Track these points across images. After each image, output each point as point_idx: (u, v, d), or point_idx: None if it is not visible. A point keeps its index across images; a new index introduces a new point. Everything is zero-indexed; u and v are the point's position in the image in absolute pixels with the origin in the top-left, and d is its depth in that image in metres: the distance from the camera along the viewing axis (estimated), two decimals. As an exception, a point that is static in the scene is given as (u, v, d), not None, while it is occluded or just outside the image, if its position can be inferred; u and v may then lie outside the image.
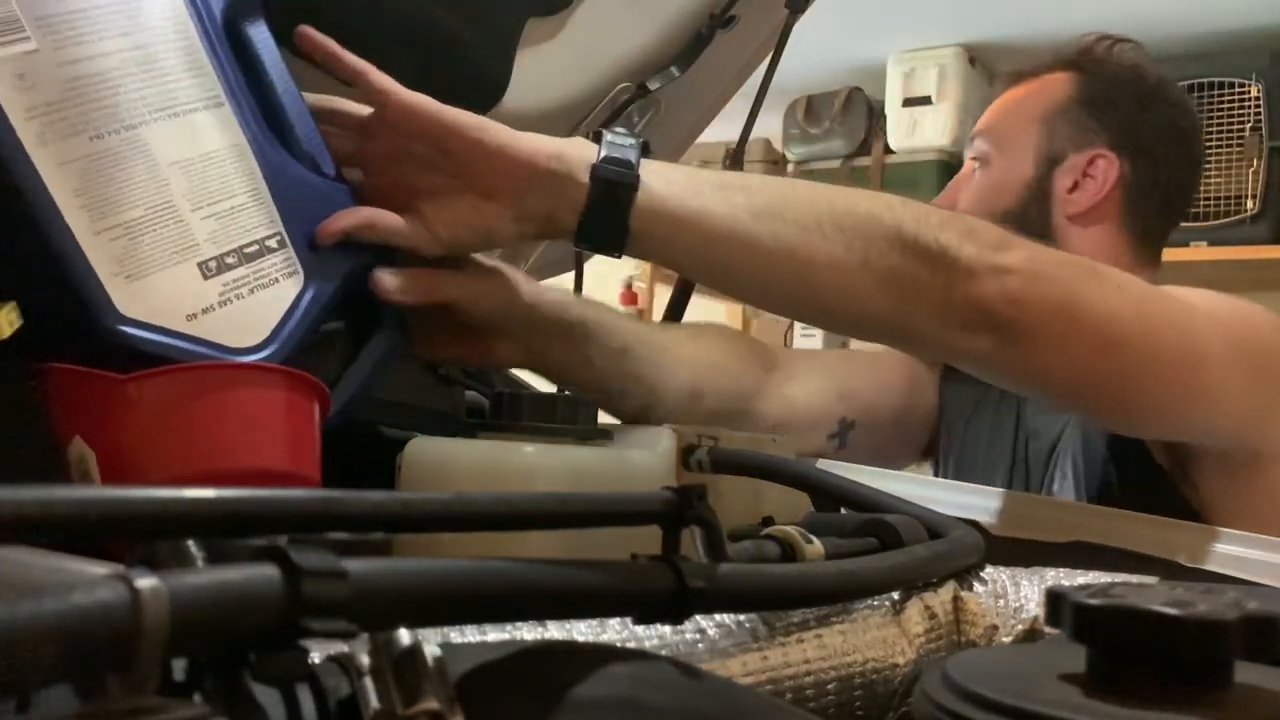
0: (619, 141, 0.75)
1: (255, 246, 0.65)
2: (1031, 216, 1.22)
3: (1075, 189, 1.24)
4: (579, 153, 0.75)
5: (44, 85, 0.58)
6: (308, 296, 0.67)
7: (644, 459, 0.67)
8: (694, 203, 0.75)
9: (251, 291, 0.64)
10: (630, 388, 0.87)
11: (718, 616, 0.44)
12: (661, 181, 0.75)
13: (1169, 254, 3.15)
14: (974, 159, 1.30)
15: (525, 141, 0.74)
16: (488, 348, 0.83)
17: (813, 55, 2.86)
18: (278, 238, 0.66)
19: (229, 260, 0.63)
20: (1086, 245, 1.20)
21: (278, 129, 0.70)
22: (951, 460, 1.28)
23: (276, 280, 0.66)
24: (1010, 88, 1.32)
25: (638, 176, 0.74)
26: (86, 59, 0.60)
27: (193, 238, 0.62)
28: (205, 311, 0.61)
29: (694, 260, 0.79)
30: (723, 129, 1.47)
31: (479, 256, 0.81)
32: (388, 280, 0.70)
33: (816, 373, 1.20)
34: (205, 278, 0.62)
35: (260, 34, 0.71)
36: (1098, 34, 1.36)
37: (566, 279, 1.29)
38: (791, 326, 3.52)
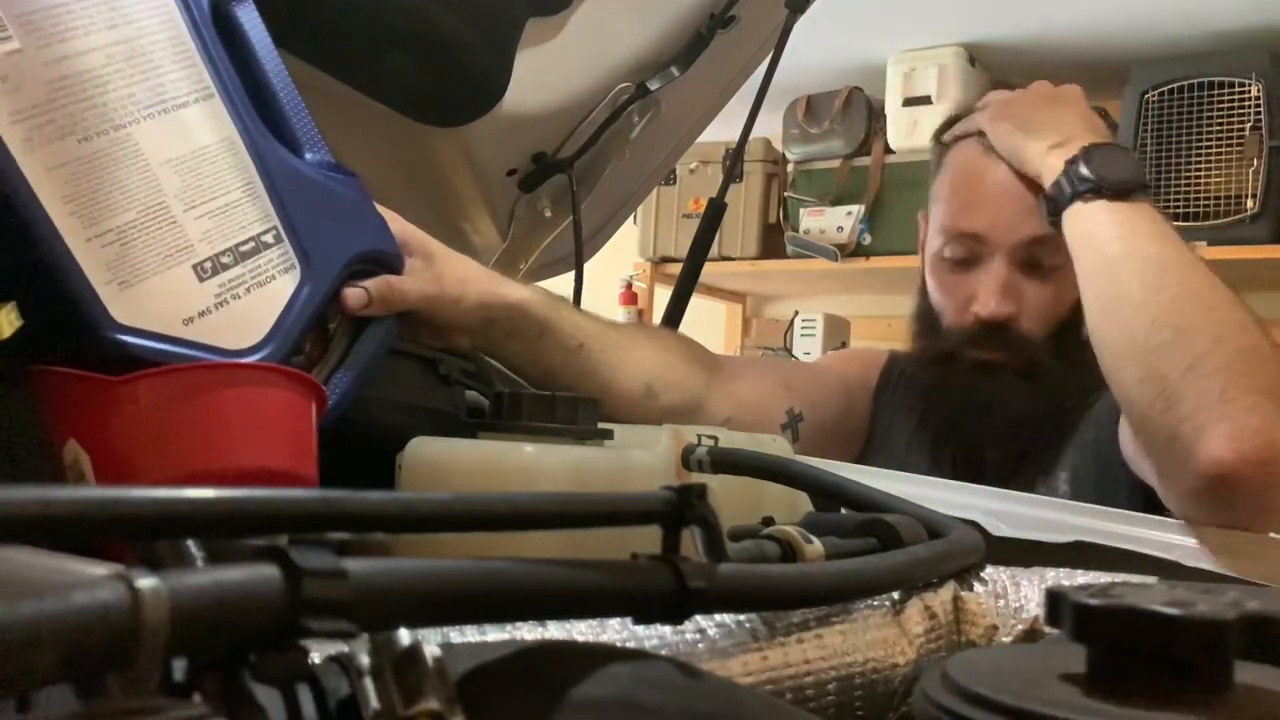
0: None
1: (251, 243, 0.64)
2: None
3: None
4: None
5: (29, 86, 0.56)
6: (305, 292, 0.66)
7: (644, 459, 0.67)
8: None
9: (248, 290, 0.63)
10: (583, 383, 0.92)
11: (718, 616, 0.44)
12: None
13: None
14: (1046, 262, 1.14)
15: None
16: (448, 337, 0.87)
17: (813, 55, 2.87)
18: (273, 232, 0.65)
19: (224, 260, 0.62)
20: None
21: (268, 115, 0.68)
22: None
23: (273, 277, 0.65)
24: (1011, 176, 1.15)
25: None
26: (72, 56, 0.58)
27: (187, 239, 0.61)
28: (202, 315, 0.60)
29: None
30: (723, 129, 1.47)
31: (447, 253, 0.85)
32: (353, 296, 0.73)
33: (760, 370, 1.24)
34: (201, 280, 0.61)
35: (249, 15, 0.69)
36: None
37: (566, 278, 1.29)
38: (790, 328, 3.52)
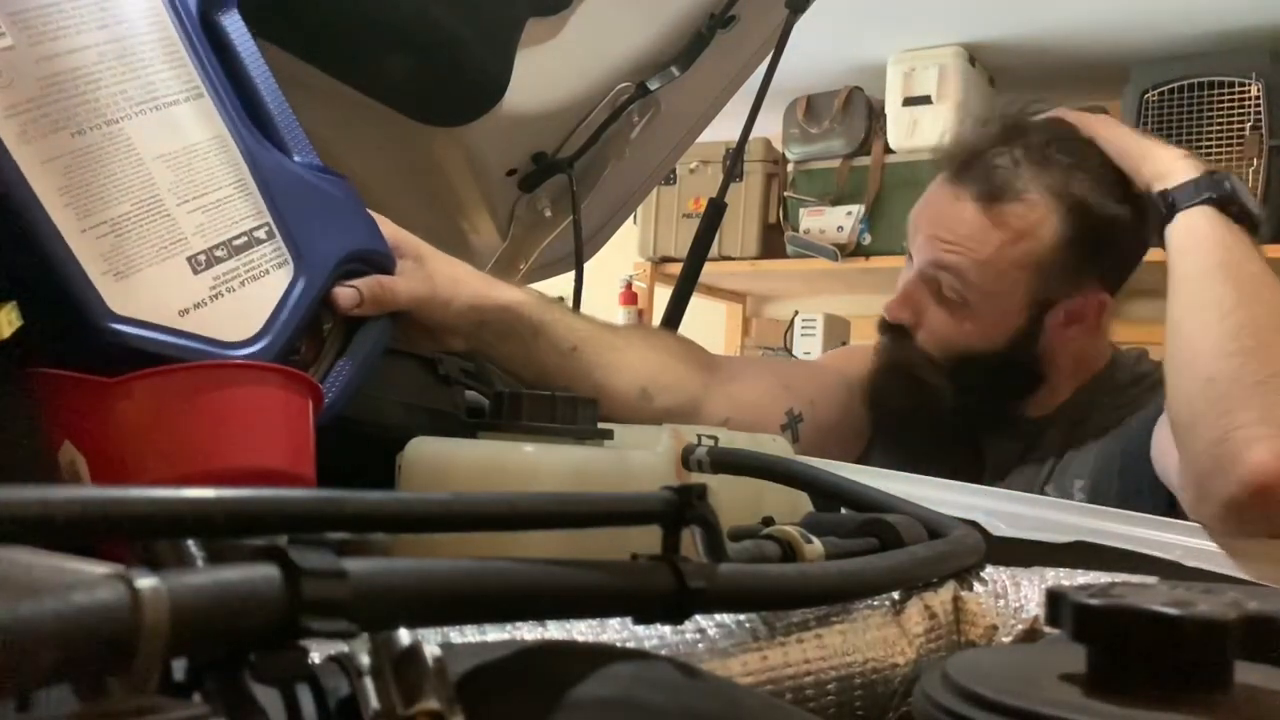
0: None
1: (244, 238, 0.65)
2: (1018, 354, 1.18)
3: (1069, 324, 1.19)
4: None
5: (22, 82, 0.57)
6: (299, 287, 0.67)
7: (644, 459, 0.67)
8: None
9: (243, 284, 0.64)
10: (578, 384, 0.91)
11: (718, 616, 0.44)
12: None
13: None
14: (946, 291, 1.17)
15: None
16: (441, 339, 0.88)
17: (813, 55, 2.87)
18: (265, 228, 0.66)
19: (218, 253, 0.63)
20: (1069, 347, 1.21)
21: (256, 119, 0.69)
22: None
23: (267, 272, 0.65)
24: (981, 204, 1.15)
25: None
26: (65, 54, 0.59)
27: (180, 232, 0.62)
28: (197, 306, 0.61)
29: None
30: (723, 129, 1.47)
31: (438, 255, 0.86)
32: (344, 295, 0.73)
33: (759, 370, 1.25)
34: (195, 272, 0.62)
35: (234, 23, 0.70)
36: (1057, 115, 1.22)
37: (567, 278, 1.29)
38: (790, 328, 3.52)
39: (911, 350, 1.21)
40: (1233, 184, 1.03)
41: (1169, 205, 1.04)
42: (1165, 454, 1.00)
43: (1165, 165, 1.08)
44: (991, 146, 1.18)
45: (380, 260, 0.76)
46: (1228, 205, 1.01)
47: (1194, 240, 1.01)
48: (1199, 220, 1.01)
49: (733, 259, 3.46)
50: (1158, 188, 1.06)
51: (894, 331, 1.23)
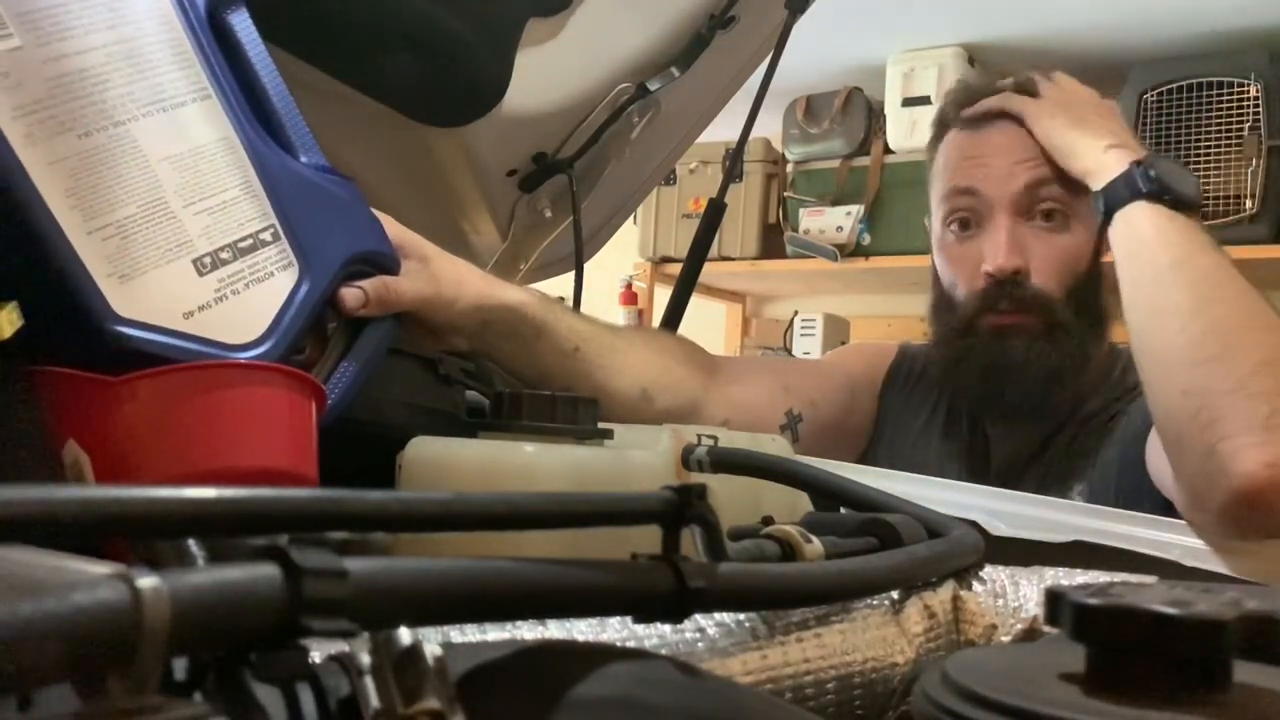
0: None
1: (249, 240, 0.65)
2: (1096, 269, 1.17)
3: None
4: None
5: (29, 83, 0.57)
6: (304, 289, 0.67)
7: (644, 459, 0.67)
8: None
9: (247, 286, 0.64)
10: (579, 385, 0.92)
11: (718, 616, 0.44)
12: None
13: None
14: (1049, 204, 1.14)
15: None
16: (444, 339, 0.88)
17: (813, 55, 2.87)
18: (271, 230, 0.66)
19: (223, 256, 0.63)
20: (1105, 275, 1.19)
21: (263, 119, 0.69)
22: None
23: (272, 274, 0.65)
24: (1015, 123, 1.16)
25: None
26: (72, 55, 0.59)
27: (186, 234, 0.61)
28: (202, 309, 0.61)
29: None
30: (723, 129, 1.47)
31: (442, 255, 0.86)
32: (349, 296, 0.73)
33: (759, 372, 1.23)
34: (200, 274, 0.62)
35: (242, 23, 0.70)
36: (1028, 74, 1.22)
37: (567, 278, 1.29)
38: (790, 328, 3.52)
39: (1037, 298, 1.14)
40: (1159, 171, 0.98)
41: (1106, 207, 1.01)
42: (1161, 469, 0.98)
43: (1092, 160, 1.04)
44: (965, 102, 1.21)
45: (385, 261, 0.77)
46: (1161, 196, 0.97)
47: (1138, 243, 0.97)
48: (1139, 220, 0.98)
49: (732, 259, 3.46)
50: (1092, 186, 1.03)
51: (1003, 289, 1.15)
